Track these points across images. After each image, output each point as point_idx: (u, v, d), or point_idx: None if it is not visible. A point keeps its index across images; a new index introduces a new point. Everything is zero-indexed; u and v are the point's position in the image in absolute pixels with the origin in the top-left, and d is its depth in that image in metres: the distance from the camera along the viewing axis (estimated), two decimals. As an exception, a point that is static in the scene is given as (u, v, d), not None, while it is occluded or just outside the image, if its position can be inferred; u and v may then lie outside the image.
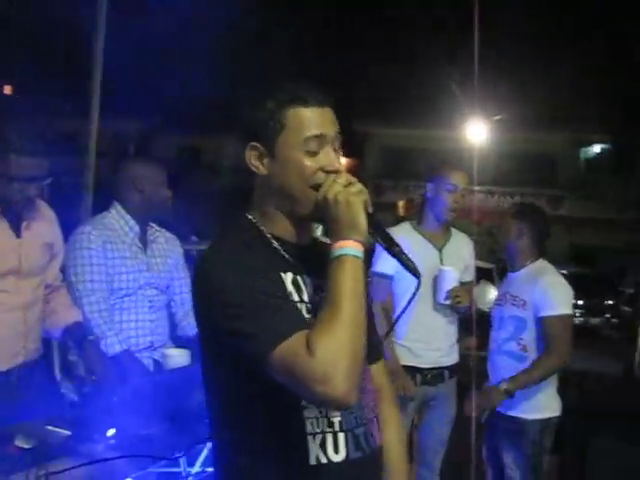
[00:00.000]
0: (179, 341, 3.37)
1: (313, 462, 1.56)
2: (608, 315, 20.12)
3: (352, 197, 1.53)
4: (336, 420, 1.59)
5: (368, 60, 22.62)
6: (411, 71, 21.42)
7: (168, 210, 3.38)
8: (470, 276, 3.83)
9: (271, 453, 1.57)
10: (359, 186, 1.56)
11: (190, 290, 3.23)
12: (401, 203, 21.72)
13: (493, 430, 3.58)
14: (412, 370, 3.65)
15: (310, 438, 1.56)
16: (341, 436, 1.59)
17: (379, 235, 1.60)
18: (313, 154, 1.60)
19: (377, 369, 1.84)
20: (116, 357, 2.99)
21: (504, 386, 3.38)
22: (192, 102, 18.83)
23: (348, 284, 1.47)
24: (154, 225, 3.39)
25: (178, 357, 2.99)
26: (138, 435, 2.41)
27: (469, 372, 3.76)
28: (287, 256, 1.64)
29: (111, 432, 2.38)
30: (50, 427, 2.47)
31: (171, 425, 2.51)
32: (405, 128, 24.85)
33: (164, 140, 27.65)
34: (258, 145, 1.62)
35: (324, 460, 1.57)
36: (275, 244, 1.64)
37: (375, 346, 1.79)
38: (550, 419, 3.49)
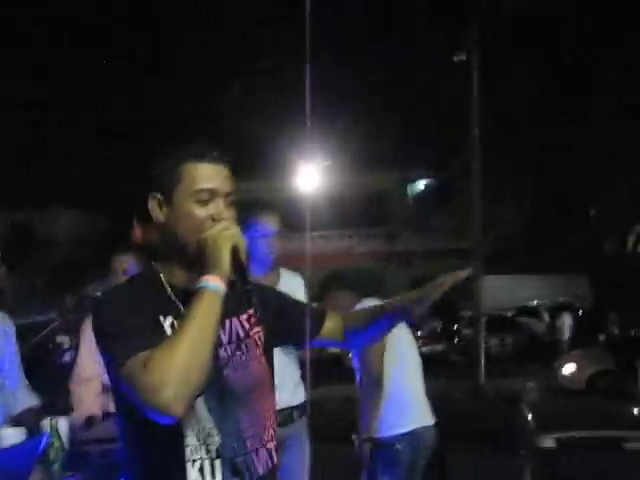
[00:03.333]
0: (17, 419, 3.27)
1: None
2: (453, 340, 21.10)
3: (220, 238, 1.69)
4: (213, 448, 1.74)
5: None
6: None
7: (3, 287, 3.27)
8: None
9: (157, 478, 1.75)
10: (233, 231, 1.72)
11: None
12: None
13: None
14: None
15: (189, 464, 1.72)
16: (217, 462, 1.74)
17: (237, 274, 1.71)
18: (204, 204, 1.74)
19: (331, 321, 2.07)
20: None
21: None
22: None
23: (198, 311, 1.61)
24: None
25: (12, 436, 2.90)
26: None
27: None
28: (177, 301, 1.78)
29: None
30: None
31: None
32: (243, 182, 25.05)
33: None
34: (158, 195, 1.78)
35: None
36: (168, 290, 1.79)
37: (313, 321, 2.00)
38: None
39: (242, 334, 1.86)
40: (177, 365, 1.53)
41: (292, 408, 3.74)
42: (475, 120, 15.67)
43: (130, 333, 1.62)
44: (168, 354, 1.55)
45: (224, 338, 1.81)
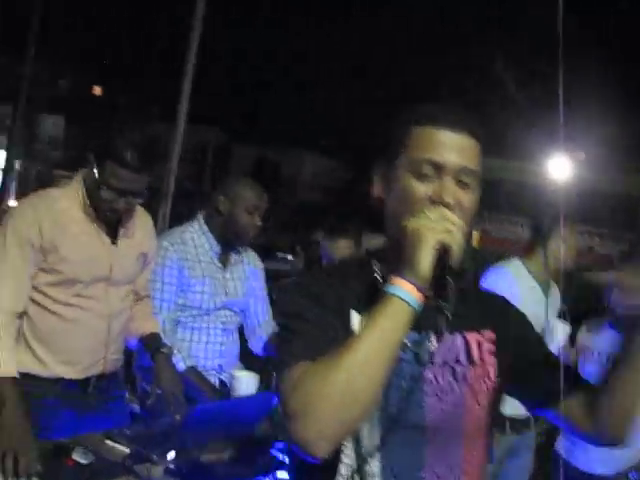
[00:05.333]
0: (248, 362, 3.26)
1: None
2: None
3: (427, 232, 1.27)
4: None
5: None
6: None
7: (252, 238, 3.20)
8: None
9: None
10: (448, 226, 1.28)
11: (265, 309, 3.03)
12: (475, 234, 21.31)
13: None
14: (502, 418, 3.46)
15: None
16: None
17: (436, 288, 1.30)
18: (425, 179, 1.36)
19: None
20: (183, 374, 2.88)
21: None
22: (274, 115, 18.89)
23: (377, 325, 1.23)
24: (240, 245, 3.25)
25: (246, 381, 2.87)
26: (198, 462, 2.30)
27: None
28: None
29: (171, 455, 2.27)
30: (109, 442, 2.40)
31: (233, 455, 2.39)
32: (492, 159, 24.44)
33: (243, 151, 27.93)
34: (382, 166, 1.46)
35: None
36: (379, 280, 1.43)
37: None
38: None
39: (464, 358, 1.44)
40: (328, 393, 1.18)
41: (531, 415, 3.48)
42: None
43: (302, 333, 1.32)
44: (323, 375, 1.20)
45: (439, 356, 1.41)
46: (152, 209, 3.36)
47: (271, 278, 3.61)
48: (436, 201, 1.34)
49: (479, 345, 1.46)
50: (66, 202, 2.58)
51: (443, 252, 1.27)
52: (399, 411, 1.37)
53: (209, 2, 5.16)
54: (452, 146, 1.37)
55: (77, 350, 2.62)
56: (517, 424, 3.48)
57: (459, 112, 1.41)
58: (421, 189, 1.36)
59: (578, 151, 18.77)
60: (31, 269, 2.50)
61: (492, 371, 1.47)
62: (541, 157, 18.70)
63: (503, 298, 1.61)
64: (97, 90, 26.17)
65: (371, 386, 1.21)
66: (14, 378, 2.37)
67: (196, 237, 3.11)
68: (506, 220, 21.16)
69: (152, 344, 2.81)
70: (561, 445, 3.54)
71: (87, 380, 2.67)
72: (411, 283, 1.25)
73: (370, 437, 1.36)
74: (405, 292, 1.24)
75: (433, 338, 1.41)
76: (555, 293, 3.54)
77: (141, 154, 2.48)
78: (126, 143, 2.48)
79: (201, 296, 3.06)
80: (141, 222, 2.82)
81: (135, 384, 3.09)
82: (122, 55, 22.70)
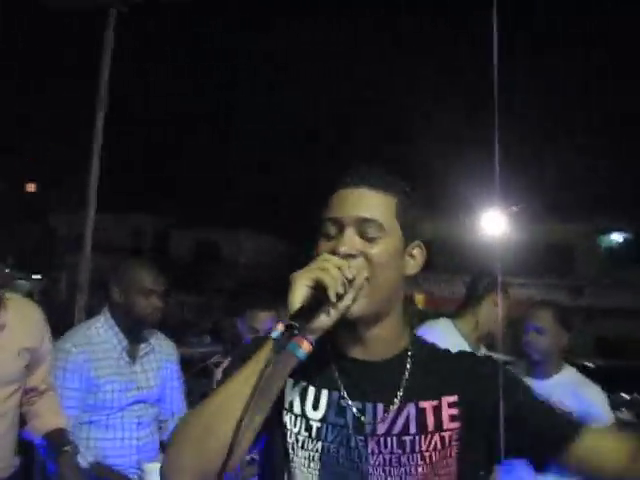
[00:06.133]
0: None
1: None
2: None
3: (301, 273, 1.26)
4: None
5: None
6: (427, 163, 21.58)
7: (157, 321, 3.08)
8: None
9: None
10: (324, 265, 1.27)
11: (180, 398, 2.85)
12: (419, 297, 21.45)
13: None
14: None
15: None
16: None
17: (306, 317, 1.25)
18: (331, 238, 1.36)
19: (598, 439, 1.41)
20: (89, 471, 2.73)
21: None
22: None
23: (243, 369, 1.26)
24: (148, 333, 3.12)
25: (156, 472, 2.73)
26: None
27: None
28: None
29: None
30: None
31: None
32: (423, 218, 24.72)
33: (182, 235, 27.83)
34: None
35: None
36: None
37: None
38: None
39: (415, 428, 1.36)
40: (187, 432, 1.28)
41: None
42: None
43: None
44: (186, 418, 1.31)
45: (382, 427, 1.35)
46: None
47: (189, 363, 3.48)
48: (332, 253, 1.32)
49: (436, 412, 1.37)
50: None
51: (317, 289, 1.25)
52: None
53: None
54: (349, 200, 1.37)
55: None
56: None
57: (366, 170, 1.40)
58: (325, 247, 1.36)
59: (511, 204, 19.20)
60: None
61: (454, 436, 1.37)
62: (476, 213, 19.07)
63: (478, 359, 1.53)
64: (30, 187, 25.90)
65: (225, 424, 1.20)
66: None
67: (102, 332, 2.99)
68: (449, 280, 21.34)
69: (56, 442, 2.66)
70: None
71: None
72: (282, 322, 1.24)
73: None
74: (276, 331, 1.23)
75: (380, 408, 1.36)
76: (482, 352, 3.50)
77: None
78: None
79: (111, 394, 2.92)
80: (22, 315, 2.68)
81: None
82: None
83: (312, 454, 1.35)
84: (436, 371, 1.41)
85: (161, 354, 3.15)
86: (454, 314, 3.51)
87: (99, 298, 4.50)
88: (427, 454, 1.35)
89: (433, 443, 1.36)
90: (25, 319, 2.69)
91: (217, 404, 1.26)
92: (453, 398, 1.38)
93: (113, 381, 2.93)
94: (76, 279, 4.77)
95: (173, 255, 25.94)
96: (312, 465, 1.34)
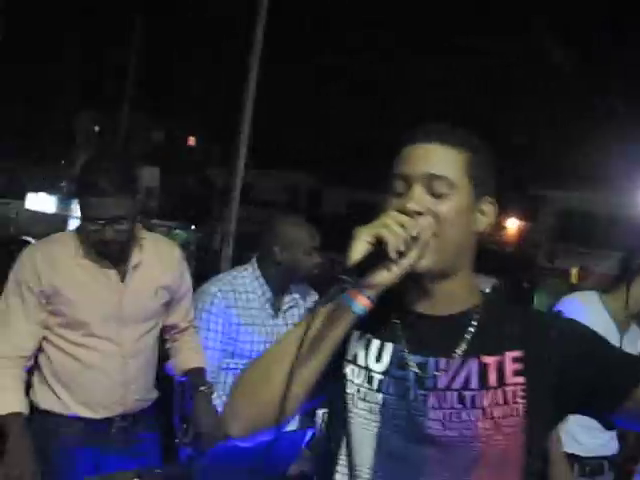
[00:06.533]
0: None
1: None
2: None
3: (362, 229, 1.26)
4: None
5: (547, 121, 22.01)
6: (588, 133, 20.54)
7: (311, 276, 3.11)
8: None
9: None
10: (386, 221, 1.25)
11: None
12: (574, 270, 20.58)
13: None
14: (570, 459, 3.19)
15: None
16: None
17: (364, 272, 1.24)
18: (400, 195, 1.35)
19: None
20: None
21: None
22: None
23: (301, 324, 1.32)
24: (295, 288, 3.15)
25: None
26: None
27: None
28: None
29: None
30: (138, 481, 2.33)
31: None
32: (581, 191, 23.69)
33: (334, 194, 28.12)
34: None
35: None
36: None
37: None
38: None
39: (476, 383, 1.33)
40: (242, 387, 1.34)
41: (603, 458, 3.20)
42: None
43: None
44: (245, 370, 1.37)
45: (443, 381, 1.34)
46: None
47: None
48: (400, 210, 1.31)
49: (499, 367, 1.34)
50: (63, 245, 2.58)
51: (378, 244, 1.23)
52: (398, 433, 1.33)
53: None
54: (418, 156, 1.35)
55: (92, 391, 2.57)
56: (587, 467, 3.22)
57: (434, 126, 1.38)
58: (394, 204, 1.34)
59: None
60: (37, 313, 2.52)
61: (519, 393, 1.33)
62: (633, 188, 18.01)
63: (552, 316, 1.52)
64: (191, 141, 27.02)
65: (278, 375, 1.25)
66: (18, 414, 2.41)
67: (248, 282, 3.03)
68: (607, 256, 20.33)
69: (194, 381, 2.75)
70: None
71: (109, 420, 2.61)
72: (340, 278, 1.24)
73: (364, 455, 1.34)
74: (334, 288, 1.24)
75: (442, 363, 1.35)
76: (634, 332, 3.29)
77: (109, 179, 2.41)
78: (91, 171, 2.46)
79: (250, 345, 2.97)
80: (159, 254, 2.73)
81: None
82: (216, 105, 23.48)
83: (372, 406, 1.34)
84: (502, 327, 1.37)
85: (304, 308, 3.15)
86: (604, 289, 3.32)
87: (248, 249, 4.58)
88: (489, 410, 1.31)
89: (496, 399, 1.32)
90: (162, 258, 2.74)
91: (273, 354, 1.32)
92: (517, 353, 1.34)
93: (253, 331, 2.97)
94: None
95: (325, 213, 26.29)
96: (372, 417, 1.34)
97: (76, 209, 2.77)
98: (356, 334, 1.38)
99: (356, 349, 1.39)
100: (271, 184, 27.74)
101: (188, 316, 2.87)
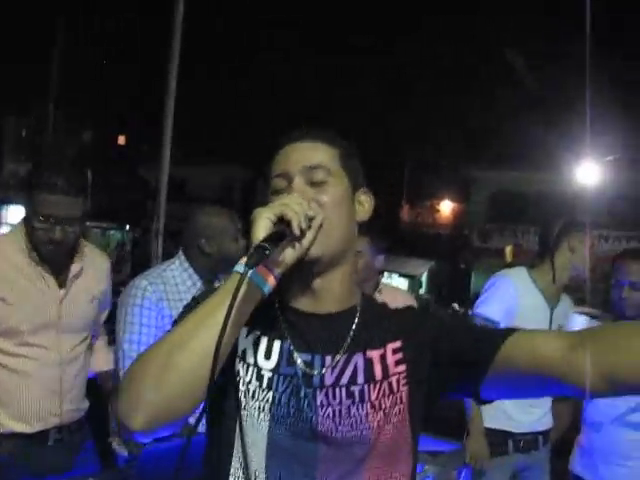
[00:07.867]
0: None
1: None
2: None
3: (262, 209, 1.28)
4: None
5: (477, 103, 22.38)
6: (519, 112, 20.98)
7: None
8: None
9: None
10: (284, 200, 1.29)
11: None
12: (508, 249, 21.06)
13: None
14: (503, 435, 3.27)
15: None
16: None
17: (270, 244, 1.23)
18: (281, 192, 1.38)
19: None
20: None
21: None
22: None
23: (208, 302, 1.25)
24: (222, 278, 3.14)
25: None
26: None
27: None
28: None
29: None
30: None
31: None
32: (511, 171, 24.19)
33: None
34: None
35: None
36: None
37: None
38: None
39: (362, 378, 1.36)
40: (145, 367, 1.20)
41: (538, 434, 3.31)
42: None
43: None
44: (145, 355, 1.24)
45: (330, 378, 1.35)
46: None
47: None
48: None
49: (383, 360, 1.38)
50: (6, 247, 2.51)
51: (280, 223, 1.25)
52: (289, 431, 1.33)
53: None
54: (294, 154, 1.40)
55: (28, 402, 2.50)
56: (522, 443, 3.30)
57: (306, 128, 1.44)
58: (277, 200, 1.35)
59: (605, 155, 18.49)
60: None
61: (402, 380, 1.38)
62: (571, 164, 18.44)
63: (420, 309, 1.54)
64: (121, 139, 26.59)
65: (189, 357, 1.19)
66: None
67: (177, 274, 3.01)
68: (536, 232, 20.81)
69: (106, 384, 2.84)
70: (576, 462, 3.26)
71: (45, 434, 2.54)
72: (260, 245, 1.22)
73: (256, 457, 1.32)
74: (239, 265, 1.25)
75: (327, 360, 1.37)
76: (564, 304, 3.37)
77: (65, 177, 2.39)
78: (48, 168, 2.42)
79: None
80: (94, 264, 2.73)
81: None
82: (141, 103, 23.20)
83: (262, 404, 1.34)
84: (382, 323, 1.42)
85: None
86: (531, 265, 3.39)
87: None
88: (377, 402, 1.35)
89: (382, 390, 1.36)
90: (96, 268, 2.74)
91: (180, 337, 1.22)
92: (397, 344, 1.39)
93: None
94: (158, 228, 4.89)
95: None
96: (262, 415, 1.33)
97: (5, 215, 2.71)
98: (243, 330, 1.36)
99: (244, 345, 1.38)
100: (207, 179, 27.57)
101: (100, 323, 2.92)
